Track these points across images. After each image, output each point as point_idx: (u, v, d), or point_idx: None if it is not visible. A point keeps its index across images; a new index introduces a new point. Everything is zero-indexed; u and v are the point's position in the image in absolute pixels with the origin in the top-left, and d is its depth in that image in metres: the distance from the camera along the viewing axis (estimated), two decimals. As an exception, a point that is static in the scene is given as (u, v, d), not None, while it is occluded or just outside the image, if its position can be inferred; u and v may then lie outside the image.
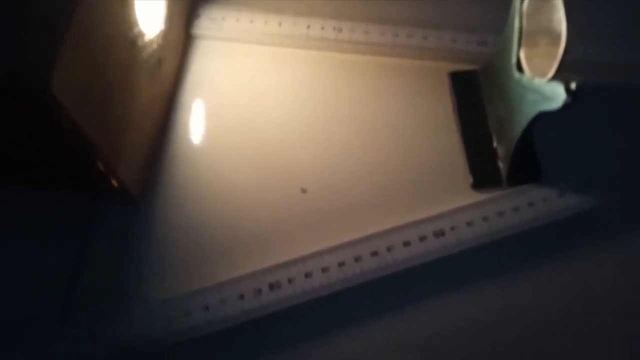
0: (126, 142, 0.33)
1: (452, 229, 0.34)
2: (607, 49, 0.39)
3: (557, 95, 0.28)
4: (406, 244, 0.34)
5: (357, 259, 0.34)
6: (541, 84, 0.29)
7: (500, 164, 0.36)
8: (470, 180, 0.36)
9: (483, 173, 0.37)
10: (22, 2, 0.25)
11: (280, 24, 0.41)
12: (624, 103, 0.38)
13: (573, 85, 0.27)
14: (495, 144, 0.37)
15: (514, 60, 0.32)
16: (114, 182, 0.32)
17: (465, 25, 0.40)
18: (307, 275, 0.33)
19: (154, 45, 0.35)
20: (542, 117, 0.31)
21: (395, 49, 0.40)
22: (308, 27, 0.41)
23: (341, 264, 0.34)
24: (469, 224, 0.35)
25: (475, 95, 0.39)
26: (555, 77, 0.28)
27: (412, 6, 0.42)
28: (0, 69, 0.24)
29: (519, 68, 0.32)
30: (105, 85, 0.29)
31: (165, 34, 0.36)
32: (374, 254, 0.34)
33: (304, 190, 0.37)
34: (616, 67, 0.39)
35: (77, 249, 0.34)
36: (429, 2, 0.42)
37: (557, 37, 0.28)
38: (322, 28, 0.41)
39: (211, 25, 0.41)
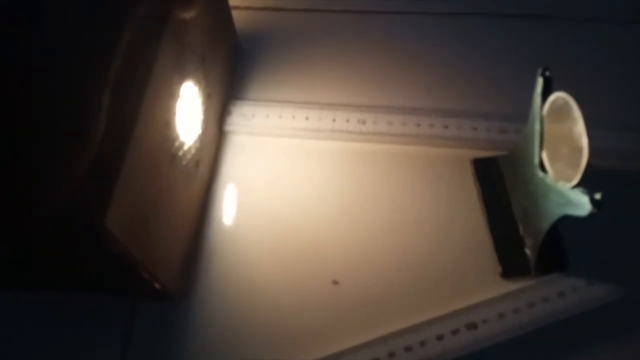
0: (167, 248, 0.34)
1: (484, 321, 0.35)
2: (637, 136, 0.40)
3: (582, 204, 0.29)
4: (439, 337, 0.35)
5: (391, 355, 0.35)
6: (566, 190, 0.30)
7: (528, 252, 0.37)
8: (499, 269, 0.37)
9: (511, 262, 0.37)
10: (78, 144, 0.27)
11: (307, 118, 0.43)
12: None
13: (598, 196, 0.28)
14: (521, 232, 0.38)
15: (536, 160, 0.33)
16: (157, 286, 0.34)
17: (486, 113, 0.42)
18: (343, 372, 0.34)
19: (192, 151, 0.37)
20: (567, 218, 0.32)
21: (418, 138, 0.42)
22: (334, 120, 0.43)
23: (375, 361, 0.34)
24: (500, 316, 0.35)
25: (499, 182, 0.40)
26: (579, 185, 0.29)
27: (433, 96, 0.44)
28: (59, 205, 0.26)
29: (542, 168, 0.33)
30: (151, 206, 0.31)
31: (202, 136, 0.39)
32: (408, 349, 0.35)
33: (335, 282, 0.38)
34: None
35: (119, 353, 0.36)
36: (449, 91, 0.44)
37: (578, 148, 0.29)
38: (347, 121, 0.43)
39: (242, 122, 0.43)
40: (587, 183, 0.30)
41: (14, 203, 0.25)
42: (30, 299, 0.37)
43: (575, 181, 0.29)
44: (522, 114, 0.37)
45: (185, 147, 0.36)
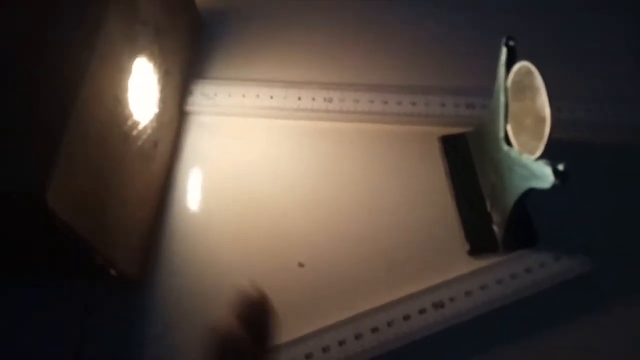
0: (123, 229, 0.33)
1: (452, 300, 0.34)
2: (608, 110, 0.40)
3: (545, 176, 0.28)
4: (406, 317, 0.34)
5: (358, 337, 0.34)
6: (530, 163, 0.29)
7: (496, 229, 0.37)
8: (467, 247, 0.37)
9: (479, 239, 0.37)
10: (19, 110, 0.25)
11: (272, 97, 0.41)
12: (620, 166, 0.39)
13: (561, 167, 0.27)
14: (489, 208, 0.37)
15: (502, 134, 0.32)
16: (113, 272, 0.32)
17: (453, 89, 0.41)
18: (308, 357, 0.33)
19: (149, 131, 0.35)
20: (532, 192, 0.31)
21: (385, 116, 0.41)
22: (299, 99, 0.41)
23: (342, 343, 0.34)
24: (467, 293, 0.35)
25: (466, 158, 0.39)
26: (542, 157, 0.29)
27: (400, 73, 0.43)
28: (2, 178, 0.24)
29: (508, 142, 0.32)
30: (101, 185, 0.30)
31: (160, 116, 0.37)
32: (375, 330, 0.34)
33: (301, 265, 0.37)
34: (615, 128, 0.40)
35: (78, 337, 0.34)
36: (417, 68, 0.43)
37: (542, 118, 0.28)
38: (313, 99, 0.41)
39: (204, 102, 0.41)
40: (553, 156, 0.29)
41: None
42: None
43: (538, 153, 0.28)
44: (490, 88, 0.36)
45: (141, 127, 0.34)
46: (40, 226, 0.26)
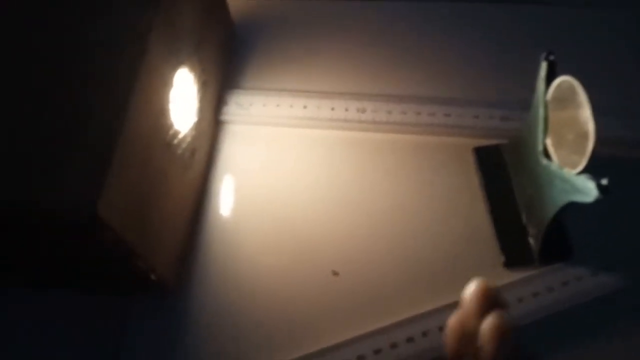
0: (162, 236, 0.34)
1: (487, 312, 0.34)
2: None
3: (588, 190, 0.28)
4: (442, 328, 0.34)
5: (393, 346, 0.34)
6: (571, 177, 0.29)
7: (531, 241, 0.37)
8: (502, 258, 0.36)
9: (514, 251, 0.37)
10: (66, 130, 0.26)
11: (305, 106, 0.42)
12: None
13: (604, 182, 0.27)
14: (525, 221, 0.37)
15: (540, 148, 0.32)
16: (153, 277, 0.33)
17: (487, 101, 0.41)
18: (344, 364, 0.34)
19: (188, 139, 0.36)
20: (572, 206, 0.31)
21: (418, 127, 0.41)
22: (332, 109, 0.42)
23: (377, 352, 0.34)
24: (503, 306, 0.35)
25: (501, 170, 0.39)
26: (584, 171, 0.29)
27: (434, 84, 0.43)
28: (49, 196, 0.25)
29: (546, 155, 0.32)
30: (145, 194, 0.30)
31: (197, 125, 0.38)
32: (410, 340, 0.34)
33: (335, 273, 0.37)
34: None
35: (114, 344, 0.35)
36: (451, 79, 0.43)
37: (584, 133, 0.28)
38: (346, 109, 0.42)
39: (239, 111, 0.42)
40: (590, 171, 0.29)
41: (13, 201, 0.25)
42: (27, 298, 0.36)
43: (580, 167, 0.28)
44: (525, 101, 0.36)
45: (180, 136, 0.35)
46: (86, 240, 0.27)
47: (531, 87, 0.34)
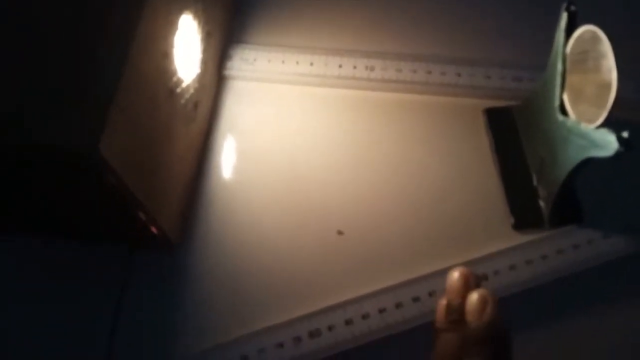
0: (165, 189, 0.32)
1: (495, 273, 0.34)
2: None
3: (608, 143, 0.27)
4: (448, 289, 0.33)
5: (398, 306, 0.33)
6: (590, 131, 0.28)
7: (542, 204, 0.36)
8: (511, 220, 0.36)
9: (524, 213, 0.36)
10: (69, 68, 0.25)
11: (311, 63, 0.41)
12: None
13: (625, 134, 0.26)
14: (535, 183, 0.36)
15: (557, 103, 0.31)
16: (154, 230, 0.32)
17: (500, 61, 0.40)
18: (348, 322, 0.33)
19: (191, 90, 0.35)
20: (589, 163, 0.30)
21: (428, 86, 0.40)
22: (340, 66, 0.40)
23: (382, 311, 0.33)
24: (512, 267, 0.34)
25: (512, 132, 0.38)
26: (602, 125, 0.28)
27: (445, 43, 0.41)
28: (50, 133, 0.24)
29: (563, 111, 0.31)
30: (148, 139, 0.29)
31: (201, 77, 0.36)
32: (416, 299, 0.33)
33: (340, 233, 0.36)
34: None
35: (116, 299, 0.34)
36: (462, 38, 0.42)
37: (605, 84, 0.27)
38: (354, 67, 0.40)
39: (243, 67, 0.41)
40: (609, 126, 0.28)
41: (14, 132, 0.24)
42: (29, 246, 0.35)
43: (601, 119, 0.27)
44: (538, 62, 0.35)
45: (184, 85, 0.33)
46: (88, 181, 0.26)
47: (545, 48, 0.33)
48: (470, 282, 0.29)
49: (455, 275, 0.29)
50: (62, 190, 0.28)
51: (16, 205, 0.31)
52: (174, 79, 0.32)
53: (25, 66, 0.25)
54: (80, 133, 0.23)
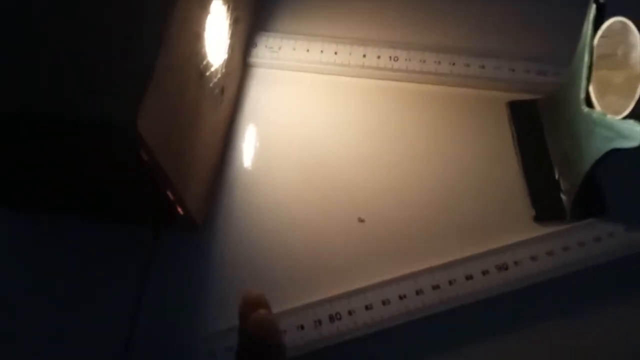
0: (192, 170, 0.33)
1: (516, 263, 0.34)
2: None
3: (634, 133, 0.27)
4: (468, 277, 0.34)
5: (419, 292, 0.33)
6: (615, 122, 0.28)
7: (563, 197, 0.36)
8: (533, 212, 0.36)
9: (545, 206, 0.36)
10: (108, 46, 0.26)
11: (336, 52, 0.41)
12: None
13: (653, 125, 0.26)
14: (557, 176, 0.37)
15: (582, 95, 0.31)
16: (180, 210, 0.33)
17: (524, 54, 0.40)
18: (368, 307, 0.33)
19: (219, 75, 0.35)
20: (613, 154, 0.30)
21: (452, 78, 0.40)
22: (364, 56, 0.41)
23: (402, 297, 0.33)
24: (533, 258, 0.34)
25: (535, 125, 0.38)
26: (629, 116, 0.28)
27: (470, 34, 0.42)
28: (90, 108, 0.24)
29: (589, 104, 0.31)
30: (179, 120, 0.30)
31: (228, 63, 0.37)
32: (436, 287, 0.34)
33: (361, 220, 0.37)
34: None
35: (139, 279, 0.35)
36: (487, 30, 0.42)
37: (634, 76, 0.27)
38: (379, 57, 0.41)
39: (268, 54, 0.41)
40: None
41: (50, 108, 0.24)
42: (54, 223, 0.36)
43: (629, 109, 0.27)
44: (563, 56, 0.35)
45: (213, 69, 0.34)
46: (123, 158, 0.27)
47: (572, 42, 0.33)
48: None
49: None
50: (95, 166, 0.28)
51: (47, 181, 0.32)
52: (205, 62, 0.32)
53: (65, 43, 0.26)
54: (118, 109, 0.24)
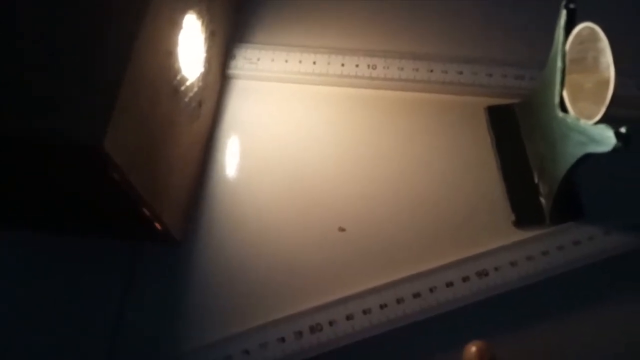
0: (169, 186, 0.33)
1: (496, 269, 0.34)
2: None
3: (606, 139, 0.27)
4: (449, 284, 0.34)
5: (400, 301, 0.33)
6: (588, 127, 0.28)
7: (543, 201, 0.36)
8: (512, 217, 0.36)
9: (525, 210, 0.36)
10: (74, 63, 0.26)
11: (314, 62, 0.41)
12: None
13: (623, 130, 0.26)
14: (536, 180, 0.37)
15: (557, 100, 0.31)
16: (158, 226, 0.33)
17: (502, 59, 0.40)
18: (349, 317, 0.33)
19: (195, 89, 0.35)
20: (588, 159, 0.30)
21: (431, 84, 0.40)
22: (342, 65, 0.41)
23: (383, 306, 0.33)
24: (512, 264, 0.34)
25: (513, 129, 0.38)
26: (601, 121, 0.28)
27: (447, 41, 0.42)
28: (56, 126, 0.24)
29: (563, 108, 0.32)
30: (151, 135, 0.30)
31: (205, 76, 0.37)
32: (416, 295, 0.34)
33: (342, 229, 0.37)
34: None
35: (120, 295, 0.35)
36: (464, 36, 0.42)
37: (604, 81, 0.27)
38: (357, 65, 0.41)
39: (247, 66, 0.41)
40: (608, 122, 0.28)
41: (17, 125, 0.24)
42: (34, 241, 0.36)
43: (599, 115, 0.27)
44: (539, 60, 0.35)
45: (188, 83, 0.34)
46: (93, 175, 0.27)
47: (546, 46, 0.33)
48: (484, 356, 0.30)
49: (472, 349, 0.30)
50: (68, 184, 0.28)
51: (22, 200, 0.32)
52: (178, 77, 0.32)
53: (30, 60, 0.26)
54: (83, 126, 0.24)
